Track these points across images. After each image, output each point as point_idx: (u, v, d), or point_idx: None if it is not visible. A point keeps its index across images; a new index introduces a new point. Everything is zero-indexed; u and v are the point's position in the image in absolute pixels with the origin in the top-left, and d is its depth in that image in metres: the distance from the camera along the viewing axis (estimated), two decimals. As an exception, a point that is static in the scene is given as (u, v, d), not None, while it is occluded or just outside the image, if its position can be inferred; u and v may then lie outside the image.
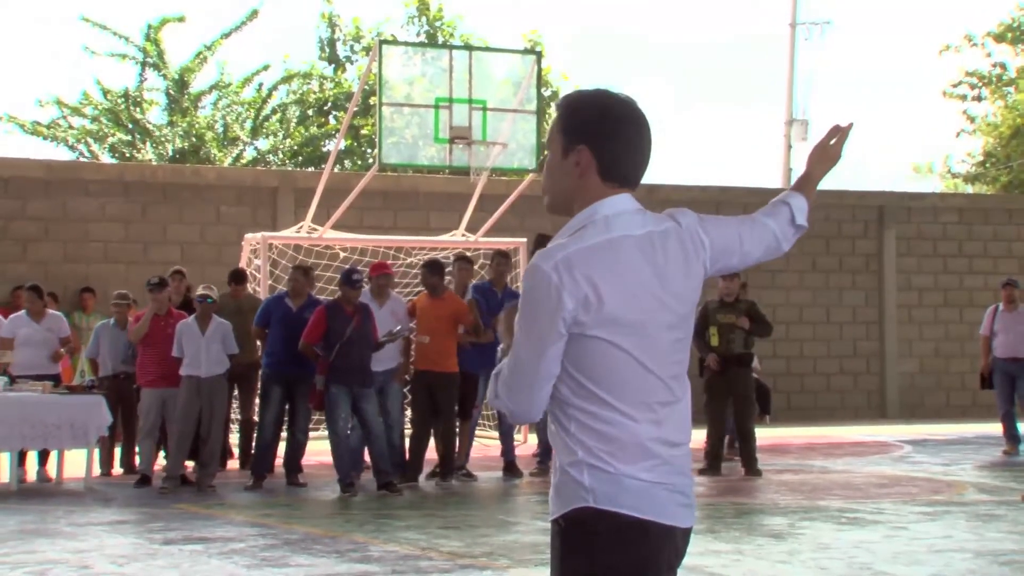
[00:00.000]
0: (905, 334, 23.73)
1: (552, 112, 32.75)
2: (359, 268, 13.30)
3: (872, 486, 13.03)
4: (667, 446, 3.21)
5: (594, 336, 3.14)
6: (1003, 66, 35.07)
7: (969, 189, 35.96)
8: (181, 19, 28.40)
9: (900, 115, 77.18)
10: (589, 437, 3.17)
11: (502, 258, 14.26)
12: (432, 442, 13.19)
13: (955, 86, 34.90)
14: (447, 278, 13.53)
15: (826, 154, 3.67)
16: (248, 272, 17.36)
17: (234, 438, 15.41)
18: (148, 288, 13.30)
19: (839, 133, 3.70)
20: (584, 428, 3.17)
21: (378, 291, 13.01)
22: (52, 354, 13.89)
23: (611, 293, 3.14)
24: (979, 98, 35.08)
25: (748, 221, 3.50)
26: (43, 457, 13.67)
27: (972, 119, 35.33)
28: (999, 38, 34.71)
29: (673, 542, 3.22)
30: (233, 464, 14.51)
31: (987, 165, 35.61)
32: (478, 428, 14.69)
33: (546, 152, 3.32)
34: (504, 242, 17.26)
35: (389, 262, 14.91)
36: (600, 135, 3.23)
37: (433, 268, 13.27)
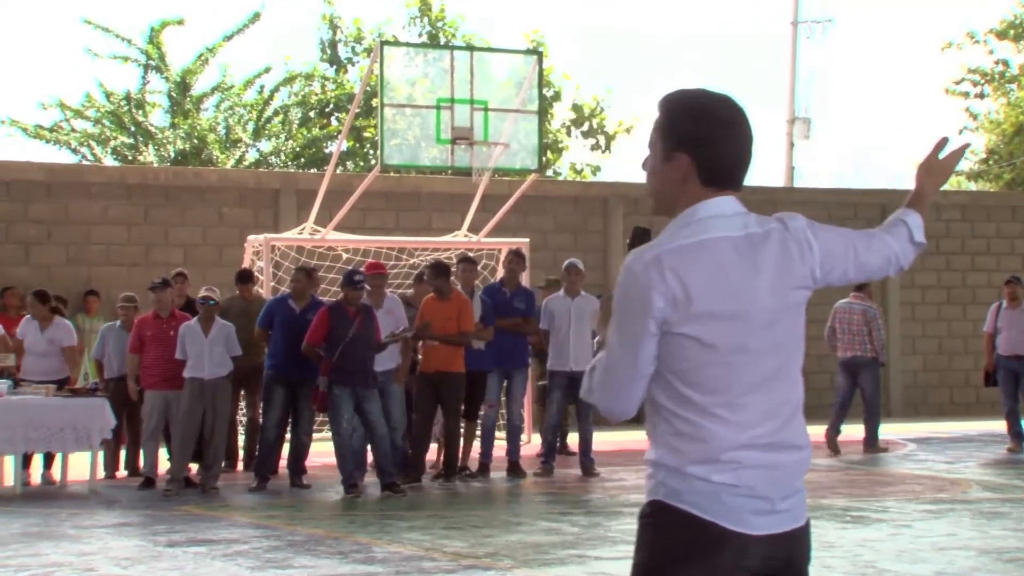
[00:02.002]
0: (908, 332, 23.71)
1: (548, 112, 32.66)
2: (360, 270, 13.31)
3: (876, 484, 13.03)
4: (757, 450, 3.18)
5: (682, 333, 3.16)
6: (1005, 63, 35.05)
7: (972, 186, 35.94)
8: (180, 22, 28.41)
9: (902, 112, 77.21)
10: (673, 437, 3.20)
11: (516, 257, 14.26)
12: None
13: (957, 83, 34.88)
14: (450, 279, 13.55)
15: (937, 168, 3.64)
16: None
17: (241, 439, 15.44)
18: (150, 288, 13.32)
19: (947, 147, 3.66)
20: (671, 428, 3.21)
21: (374, 291, 13.00)
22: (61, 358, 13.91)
23: (700, 291, 3.15)
24: (981, 95, 35.05)
25: (865, 235, 3.49)
26: (48, 460, 13.68)
27: (975, 116, 35.30)
28: (1001, 35, 34.68)
29: (746, 548, 3.17)
30: (240, 465, 14.46)
31: (990, 162, 35.59)
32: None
33: (648, 153, 3.33)
34: (507, 242, 17.26)
35: (386, 263, 14.92)
36: (700, 142, 3.23)
37: (438, 270, 13.27)
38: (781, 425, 3.22)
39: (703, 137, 3.23)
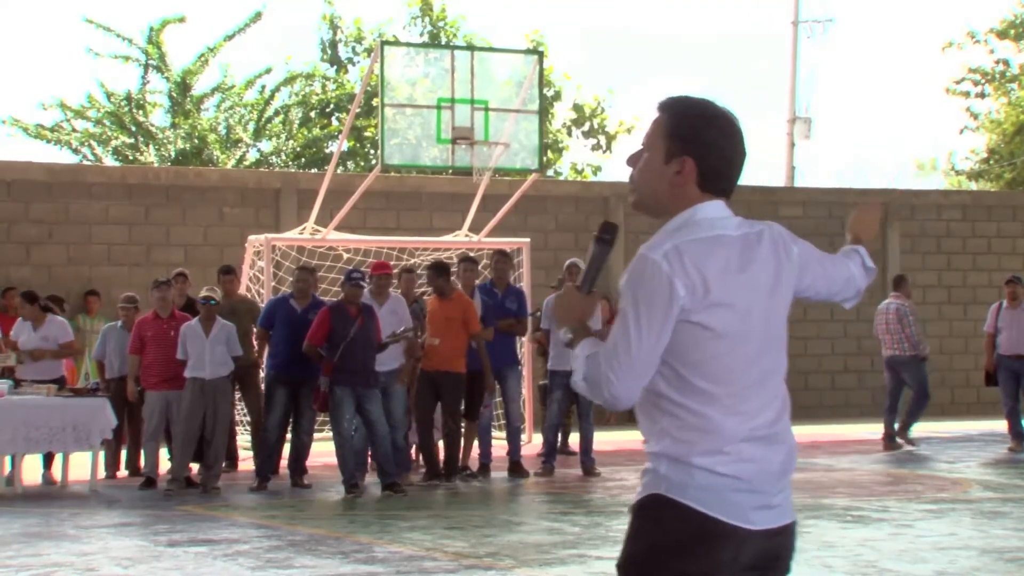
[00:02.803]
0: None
1: (546, 110, 32.60)
2: (361, 269, 13.32)
3: (877, 484, 13.03)
4: (756, 442, 3.27)
5: (696, 322, 3.23)
6: (1006, 63, 35.02)
7: (973, 186, 35.92)
8: (182, 19, 28.40)
9: (903, 112, 77.19)
10: (679, 430, 3.24)
11: (503, 257, 14.30)
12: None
13: (958, 83, 34.84)
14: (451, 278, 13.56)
15: (868, 222, 3.99)
16: (252, 273, 17.38)
17: (242, 439, 15.44)
18: (154, 285, 13.32)
19: (873, 207, 4.05)
20: (676, 421, 3.25)
21: (378, 291, 13.03)
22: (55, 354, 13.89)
23: (717, 281, 3.24)
24: (982, 95, 35.02)
25: (829, 255, 3.67)
26: (48, 460, 13.67)
27: (975, 116, 35.28)
28: (1002, 34, 34.66)
29: (744, 542, 3.24)
30: (246, 466, 14.36)
31: (991, 162, 35.57)
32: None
33: (643, 151, 3.40)
34: (508, 242, 17.26)
35: (391, 262, 14.92)
36: (705, 147, 3.34)
37: (439, 270, 13.29)
38: (774, 418, 3.33)
39: (710, 143, 3.34)
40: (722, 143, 3.36)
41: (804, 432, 19.23)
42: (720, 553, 3.22)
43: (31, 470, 13.53)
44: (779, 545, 3.35)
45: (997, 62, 34.99)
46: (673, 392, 3.25)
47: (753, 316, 3.29)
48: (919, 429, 17.11)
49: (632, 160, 3.42)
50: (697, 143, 3.33)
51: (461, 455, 13.55)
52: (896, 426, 16.70)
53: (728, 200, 3.39)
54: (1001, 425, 16.92)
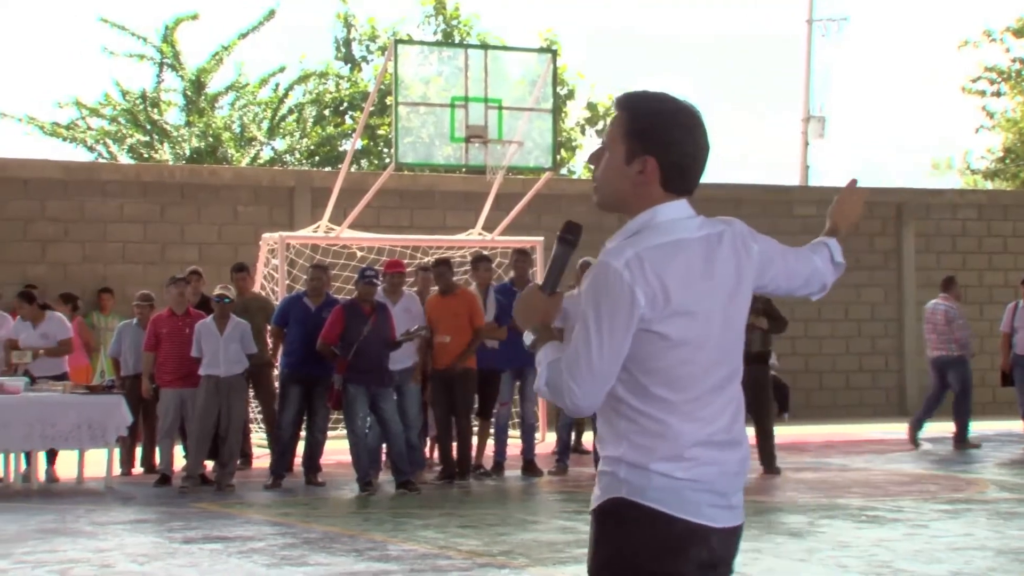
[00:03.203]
0: (924, 331, 23.61)
1: (565, 109, 32.56)
2: (375, 267, 13.32)
3: (892, 484, 13.00)
4: (713, 447, 3.27)
5: (656, 331, 3.21)
6: (1022, 61, 34.91)
7: (988, 185, 35.82)
8: (195, 17, 28.45)
9: (918, 111, 77.02)
10: (637, 435, 3.24)
11: (522, 256, 14.28)
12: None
13: (974, 81, 34.74)
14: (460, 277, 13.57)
15: (848, 208, 3.84)
16: (266, 271, 17.40)
17: (256, 437, 15.46)
18: (171, 282, 13.35)
19: (855, 191, 3.88)
20: (635, 426, 3.25)
21: (392, 289, 13.03)
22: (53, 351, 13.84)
23: (677, 290, 3.21)
24: (998, 93, 34.91)
25: (793, 249, 3.63)
26: (51, 457, 13.62)
27: (991, 115, 35.16)
28: (1018, 33, 34.53)
29: (704, 540, 3.26)
30: (261, 464, 14.36)
31: (1007, 161, 35.46)
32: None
33: (604, 150, 3.36)
34: (521, 240, 17.25)
35: (404, 261, 14.93)
36: (667, 146, 3.28)
37: (449, 265, 13.34)
38: (730, 422, 3.31)
39: (673, 142, 3.28)
40: (684, 140, 3.28)
41: (818, 432, 19.23)
42: (688, 551, 3.24)
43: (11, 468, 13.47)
44: (732, 545, 3.36)
45: (1013, 60, 34.88)
46: (632, 398, 3.24)
47: (713, 322, 3.27)
48: (931, 430, 17.05)
49: (594, 158, 3.37)
50: (658, 141, 3.27)
51: (475, 453, 13.56)
52: (924, 427, 16.63)
53: (691, 197, 3.34)
54: (1017, 425, 16.88)
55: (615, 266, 3.18)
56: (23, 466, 13.16)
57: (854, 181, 3.86)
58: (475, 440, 13.63)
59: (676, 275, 3.20)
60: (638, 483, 3.22)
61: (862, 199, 3.87)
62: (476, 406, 13.64)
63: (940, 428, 18.67)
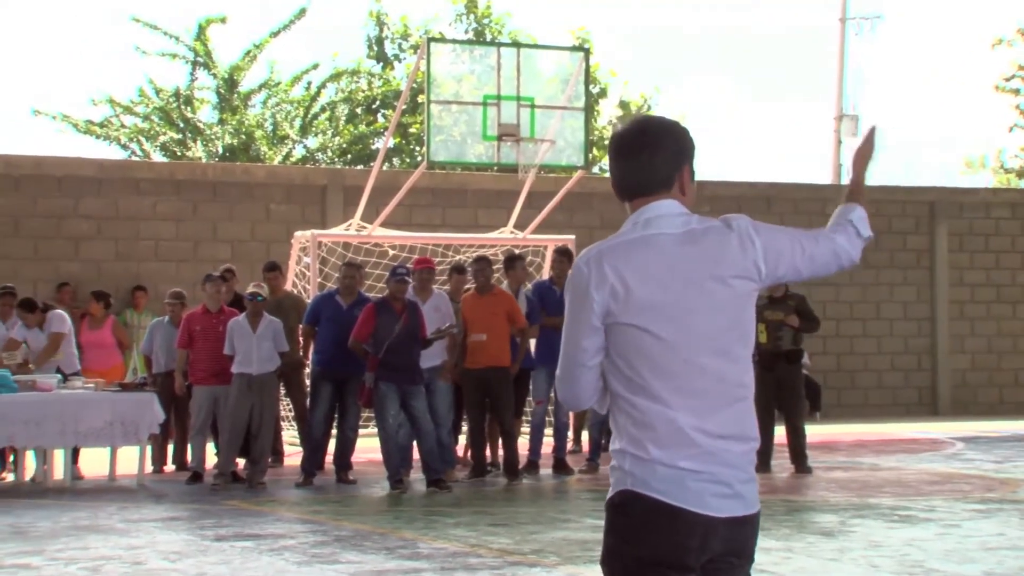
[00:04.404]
0: (957, 330, 23.53)
1: (599, 109, 32.57)
2: (406, 265, 13.31)
3: (924, 483, 12.94)
4: (709, 436, 3.37)
5: (627, 324, 3.39)
6: (1056, 59, 34.66)
7: (1022, 184, 35.58)
8: (223, 19, 28.57)
9: (952, 110, 76.58)
10: (631, 425, 3.40)
11: (562, 256, 14.26)
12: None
13: (1008, 80, 34.54)
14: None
15: (862, 151, 3.90)
16: (298, 269, 17.45)
17: (287, 435, 15.50)
18: (207, 279, 13.39)
19: (871, 136, 3.95)
20: (627, 416, 3.41)
21: (421, 286, 13.01)
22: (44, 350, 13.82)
23: (639, 282, 3.39)
24: (1032, 92, 34.68)
25: (811, 233, 3.70)
26: (74, 454, 13.62)
27: (1025, 113, 34.93)
28: (1052, 31, 34.30)
29: (709, 530, 3.36)
30: (292, 462, 14.41)
31: (1040, 160, 35.23)
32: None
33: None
34: (553, 239, 17.26)
35: (435, 259, 14.93)
36: (610, 161, 3.64)
37: (489, 262, 13.32)
38: (732, 415, 3.41)
39: (610, 165, 3.63)
40: (612, 164, 3.61)
41: (850, 431, 19.16)
42: (690, 541, 3.34)
43: (59, 465, 13.58)
44: (746, 535, 3.44)
45: (1047, 59, 34.63)
46: (623, 390, 3.41)
47: (691, 310, 3.39)
48: (963, 429, 16.95)
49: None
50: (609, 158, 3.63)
51: (488, 451, 13.54)
52: None
53: (671, 195, 3.52)
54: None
55: (578, 263, 3.47)
56: (47, 464, 13.19)
57: (873, 128, 3.91)
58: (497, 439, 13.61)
59: (638, 267, 3.40)
60: (642, 475, 3.36)
61: (873, 143, 3.92)
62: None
63: (975, 428, 18.58)
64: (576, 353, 3.42)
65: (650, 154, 3.56)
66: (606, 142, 33.12)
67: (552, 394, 14.08)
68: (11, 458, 13.63)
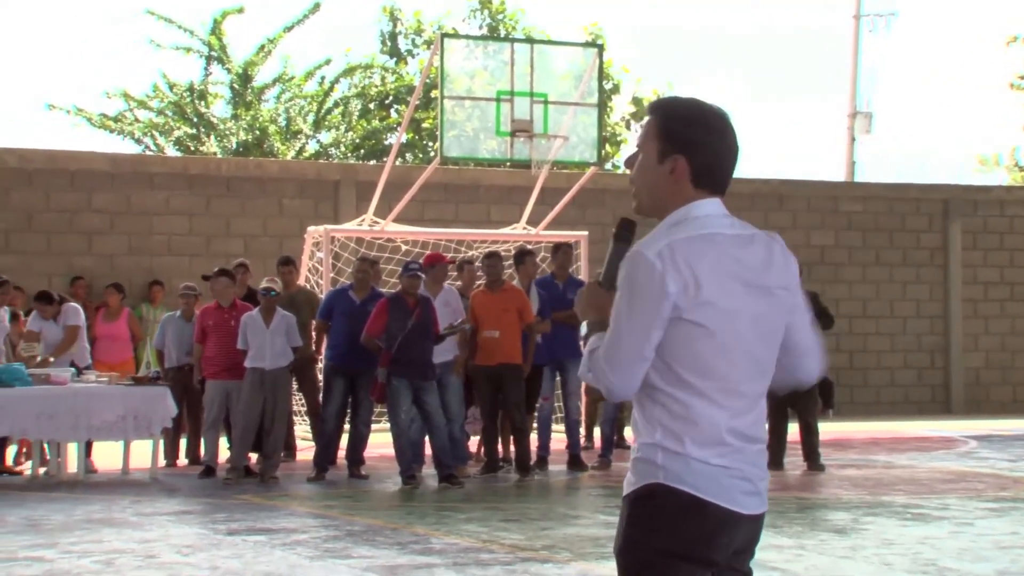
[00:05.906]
0: (970, 328, 23.48)
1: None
2: (419, 260, 13.31)
3: (937, 481, 12.92)
4: (741, 438, 3.40)
5: (689, 320, 3.35)
6: (1071, 57, 34.56)
7: (1036, 182, 35.47)
8: (240, 10, 28.60)
9: (966, 107, 76.40)
10: (669, 420, 3.38)
11: (564, 249, 14.26)
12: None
13: (1022, 78, 34.45)
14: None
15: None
16: (311, 264, 17.46)
17: (299, 430, 15.52)
18: (218, 273, 13.40)
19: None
20: (666, 411, 3.38)
21: (432, 281, 13.00)
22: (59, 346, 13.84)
23: (708, 280, 3.35)
24: (1046, 90, 34.59)
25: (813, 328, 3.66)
26: (87, 448, 13.63)
27: (1039, 111, 34.85)
28: (1067, 29, 34.20)
29: (736, 526, 3.39)
30: (304, 456, 14.43)
31: (1054, 157, 35.14)
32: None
33: (638, 153, 3.52)
34: (565, 235, 17.25)
35: (447, 255, 14.93)
36: (696, 145, 3.44)
37: (500, 258, 13.32)
38: (757, 417, 3.45)
39: (701, 141, 3.44)
40: (711, 140, 3.44)
41: (863, 429, 19.13)
42: (719, 537, 3.37)
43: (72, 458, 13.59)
44: (757, 531, 3.50)
45: (1062, 57, 34.54)
46: (665, 384, 3.38)
47: (742, 316, 3.38)
48: (976, 427, 16.92)
49: (629, 162, 3.55)
50: (687, 141, 3.43)
51: (501, 448, 13.54)
52: None
53: (723, 197, 3.47)
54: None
55: (648, 256, 3.34)
56: (61, 457, 13.23)
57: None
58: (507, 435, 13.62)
59: (707, 267, 3.35)
60: (675, 469, 3.35)
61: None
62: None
63: (988, 426, 18.56)
64: (642, 346, 3.34)
65: (737, 145, 3.49)
66: (619, 138, 33.17)
67: (557, 391, 14.09)
68: (24, 450, 13.66)
